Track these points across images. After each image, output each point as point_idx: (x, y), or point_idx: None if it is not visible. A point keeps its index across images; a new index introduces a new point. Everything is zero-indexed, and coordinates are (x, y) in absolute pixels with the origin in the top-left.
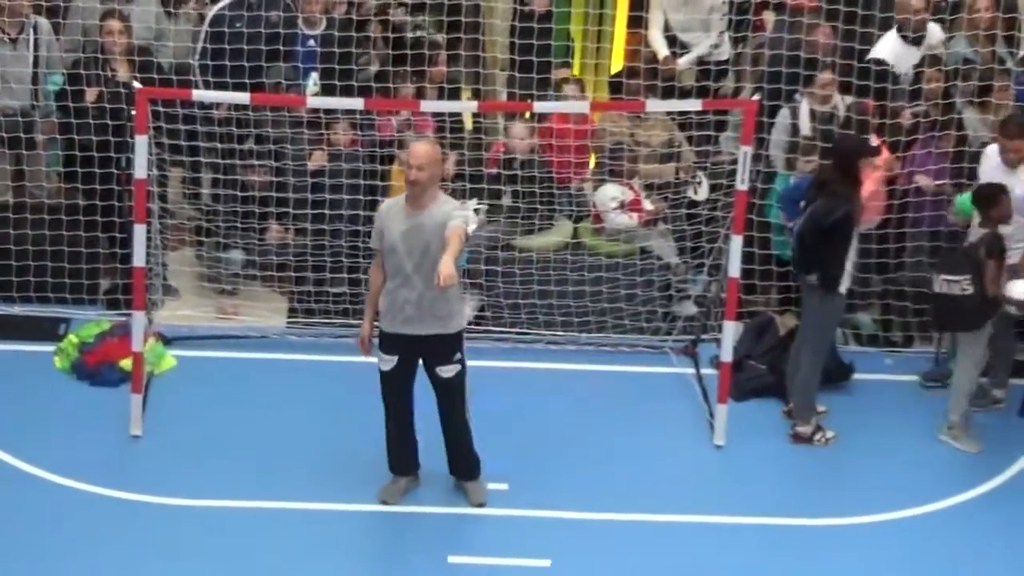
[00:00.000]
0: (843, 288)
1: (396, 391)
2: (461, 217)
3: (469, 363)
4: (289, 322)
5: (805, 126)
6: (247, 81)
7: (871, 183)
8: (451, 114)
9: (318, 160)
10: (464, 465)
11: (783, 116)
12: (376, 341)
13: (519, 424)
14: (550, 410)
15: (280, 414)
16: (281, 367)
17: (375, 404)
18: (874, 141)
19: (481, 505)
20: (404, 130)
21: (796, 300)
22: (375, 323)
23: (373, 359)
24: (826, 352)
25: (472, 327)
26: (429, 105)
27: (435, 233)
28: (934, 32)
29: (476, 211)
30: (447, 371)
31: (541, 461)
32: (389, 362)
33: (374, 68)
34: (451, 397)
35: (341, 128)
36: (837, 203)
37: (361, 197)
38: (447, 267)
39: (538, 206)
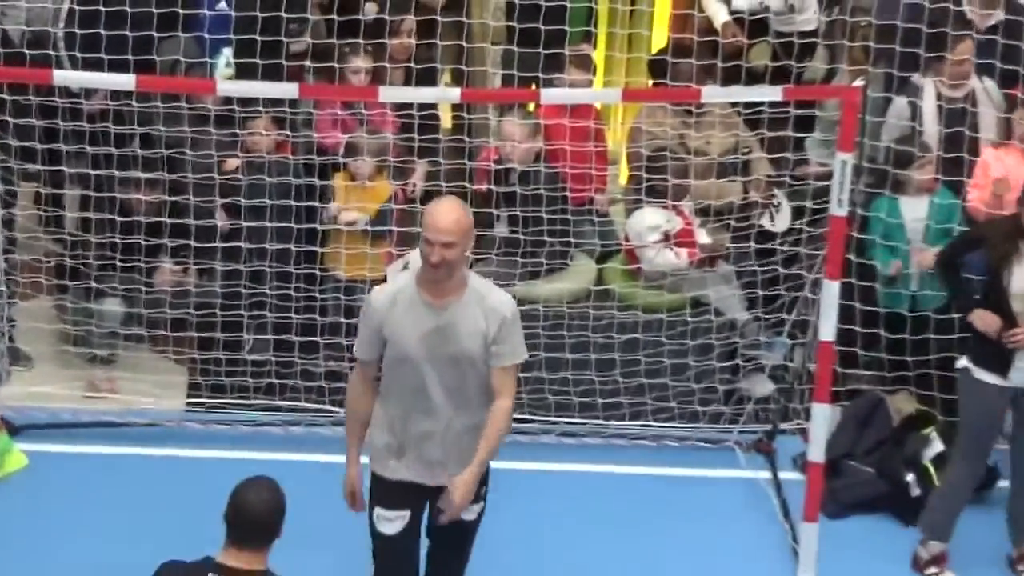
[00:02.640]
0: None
1: (402, 558)
2: (512, 344)
3: None
4: (190, 403)
5: (930, 122)
6: (130, 58)
7: None
8: (422, 106)
9: (231, 170)
10: None
11: (899, 107)
12: (367, 488)
13: (520, 551)
14: (564, 530)
15: (177, 541)
16: (178, 468)
17: (317, 526)
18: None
19: None
20: (354, 129)
21: (919, 378)
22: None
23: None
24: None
25: None
26: (390, 93)
27: (473, 340)
28: None
29: None
30: (468, 512)
31: None
32: (396, 521)
33: (309, 40)
34: (460, 546)
35: (263, 126)
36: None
37: (293, 225)
38: (466, 487)
39: (546, 238)
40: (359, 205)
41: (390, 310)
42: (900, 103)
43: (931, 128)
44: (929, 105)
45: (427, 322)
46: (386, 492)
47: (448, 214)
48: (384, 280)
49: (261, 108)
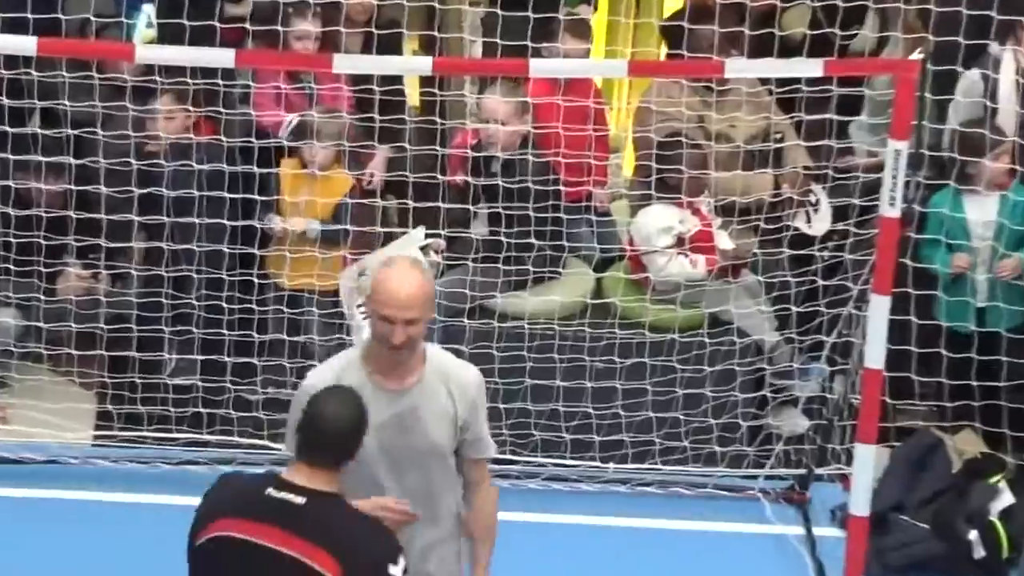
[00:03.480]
0: None
1: None
2: (484, 428)
3: None
4: (98, 436)
5: (1007, 101)
6: (29, 16)
7: None
8: (384, 79)
9: (153, 154)
10: None
11: (968, 83)
12: None
13: None
14: None
15: None
16: (83, 513)
17: None
18: None
19: None
20: (301, 107)
21: (986, 412)
22: None
23: None
24: None
25: None
26: (345, 63)
27: (441, 427)
28: None
29: (426, 250)
30: None
31: None
32: None
33: None
34: None
35: (189, 102)
36: None
37: (226, 222)
38: None
39: (535, 240)
40: (309, 199)
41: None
42: (970, 78)
43: (1008, 108)
44: (1006, 80)
45: (383, 411)
46: None
47: (406, 282)
48: (335, 293)
49: (189, 80)
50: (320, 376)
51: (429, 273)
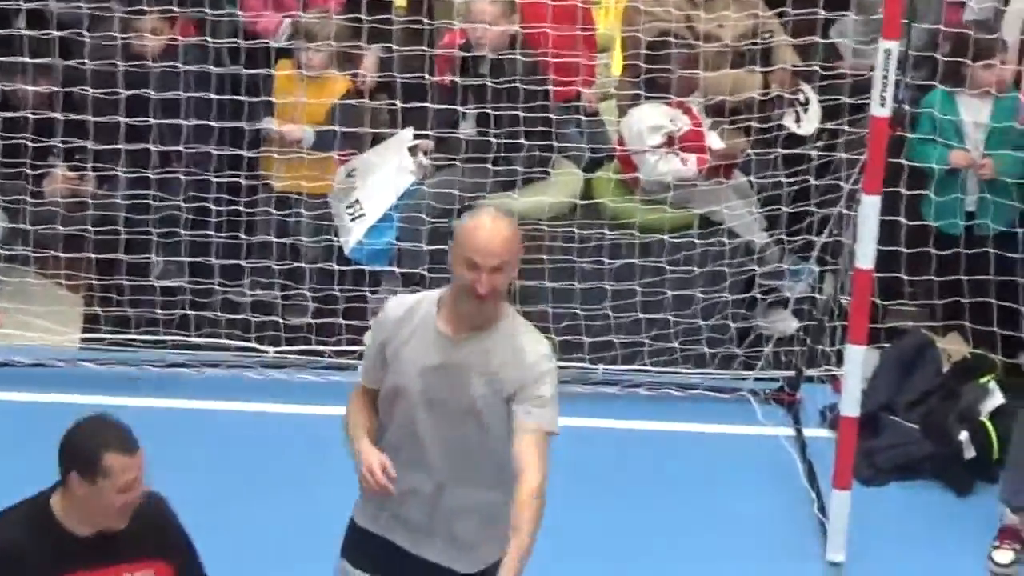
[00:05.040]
0: None
1: None
2: (543, 401)
3: None
4: (86, 339)
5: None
6: None
7: None
8: None
9: (140, 56)
10: None
11: None
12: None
13: None
14: (551, 494)
15: None
16: (70, 417)
17: (243, 479)
18: None
19: None
20: (290, 7)
21: (976, 312)
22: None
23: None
24: None
25: None
26: None
27: (486, 389)
28: None
29: (415, 151)
30: None
31: None
32: None
33: None
34: None
35: (150, 27)
36: None
37: (213, 123)
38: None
39: (523, 141)
40: (304, 101)
41: (398, 326)
42: None
43: (1016, 10)
44: None
45: (432, 356)
46: (356, 544)
47: (499, 230)
48: (324, 196)
49: (152, 8)
50: (401, 302)
51: (516, 225)
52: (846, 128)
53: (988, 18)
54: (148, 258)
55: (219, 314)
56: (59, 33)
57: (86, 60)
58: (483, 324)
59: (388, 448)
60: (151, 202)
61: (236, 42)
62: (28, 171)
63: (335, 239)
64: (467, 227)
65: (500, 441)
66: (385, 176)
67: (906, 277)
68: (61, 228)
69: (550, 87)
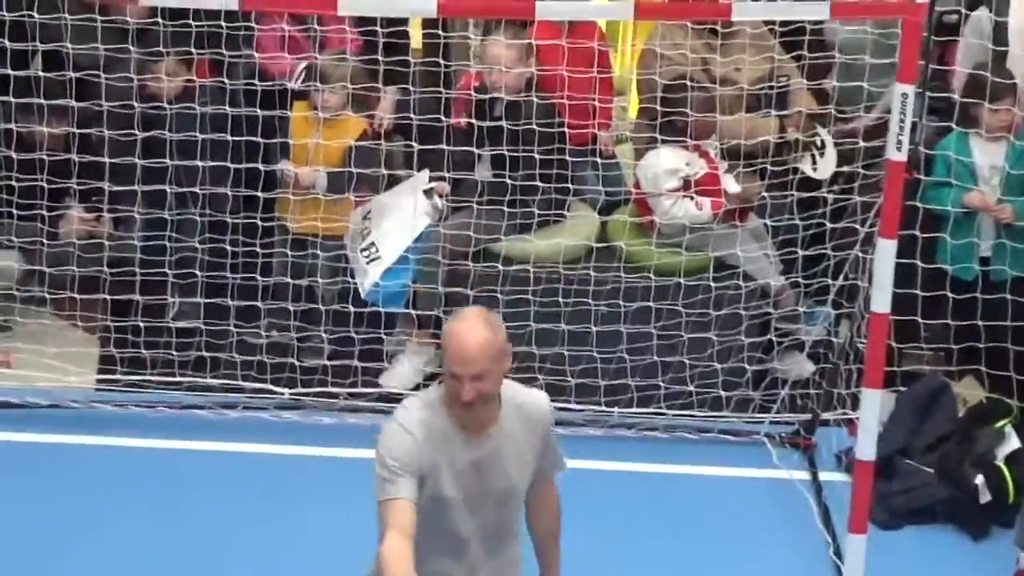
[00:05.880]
0: None
1: None
2: (554, 448)
3: None
4: (101, 380)
5: (1018, 45)
6: None
7: None
8: (389, 22)
9: (156, 97)
10: None
11: (975, 23)
12: None
13: None
14: (564, 536)
15: (86, 543)
16: (87, 458)
17: (259, 522)
18: None
19: None
20: (305, 49)
21: (992, 356)
22: None
23: None
24: None
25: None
26: (351, 4)
27: (523, 468)
28: None
29: (430, 194)
30: None
31: None
32: None
33: None
34: None
35: (170, 69)
36: None
37: (229, 164)
38: None
39: (539, 183)
40: (320, 143)
41: (422, 442)
42: (978, 19)
43: (1017, 53)
44: (1017, 22)
45: (463, 457)
46: None
47: (473, 336)
48: (340, 237)
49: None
50: (410, 418)
51: (498, 325)
52: (860, 171)
53: (984, 62)
54: (164, 299)
55: (235, 355)
56: (75, 74)
57: (102, 101)
58: (487, 422)
59: (421, 544)
60: (167, 243)
61: (253, 83)
62: (44, 212)
63: (351, 281)
64: (446, 334)
65: (521, 498)
66: (401, 218)
67: (922, 321)
68: (76, 269)
69: (566, 130)
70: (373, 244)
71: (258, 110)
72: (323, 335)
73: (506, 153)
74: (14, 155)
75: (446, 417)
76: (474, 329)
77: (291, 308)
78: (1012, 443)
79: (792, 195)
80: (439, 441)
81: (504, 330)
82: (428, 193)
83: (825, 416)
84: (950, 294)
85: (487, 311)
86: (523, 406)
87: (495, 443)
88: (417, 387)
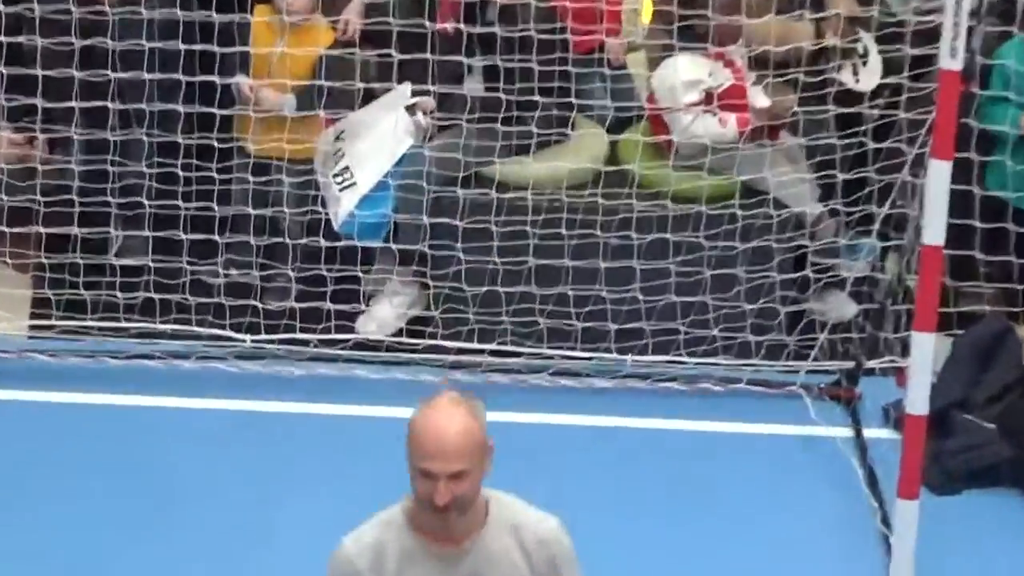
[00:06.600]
0: None
1: None
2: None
3: (390, 414)
4: (35, 327)
5: None
6: None
7: None
8: None
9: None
10: None
11: None
12: None
13: None
14: (564, 506)
15: (16, 506)
16: (18, 416)
17: (214, 479)
18: None
19: None
20: None
21: None
22: None
23: None
24: None
25: (406, 343)
26: None
27: None
28: None
29: (413, 110)
30: None
31: None
32: None
33: None
34: None
35: None
36: None
37: (180, 76)
38: None
39: (538, 98)
40: (284, 51)
41: (377, 570)
42: None
43: None
44: None
45: None
46: None
47: (450, 426)
48: (311, 160)
49: None
50: (359, 543)
51: (479, 410)
52: (907, 84)
53: None
54: (106, 232)
55: (188, 298)
56: None
57: (33, 4)
58: (471, 526)
59: None
60: (109, 168)
61: None
62: None
63: (322, 211)
64: (415, 425)
65: None
66: (379, 139)
67: (981, 255)
68: (5, 198)
69: (569, 36)
70: (347, 168)
71: (214, 14)
72: (290, 273)
73: (500, 63)
74: None
75: (410, 534)
76: (451, 417)
77: (253, 243)
78: None
79: (830, 110)
80: (404, 562)
81: (486, 418)
82: (410, 109)
83: (870, 364)
84: (1013, 226)
85: (464, 395)
86: (521, 528)
87: (475, 564)
88: (400, 332)
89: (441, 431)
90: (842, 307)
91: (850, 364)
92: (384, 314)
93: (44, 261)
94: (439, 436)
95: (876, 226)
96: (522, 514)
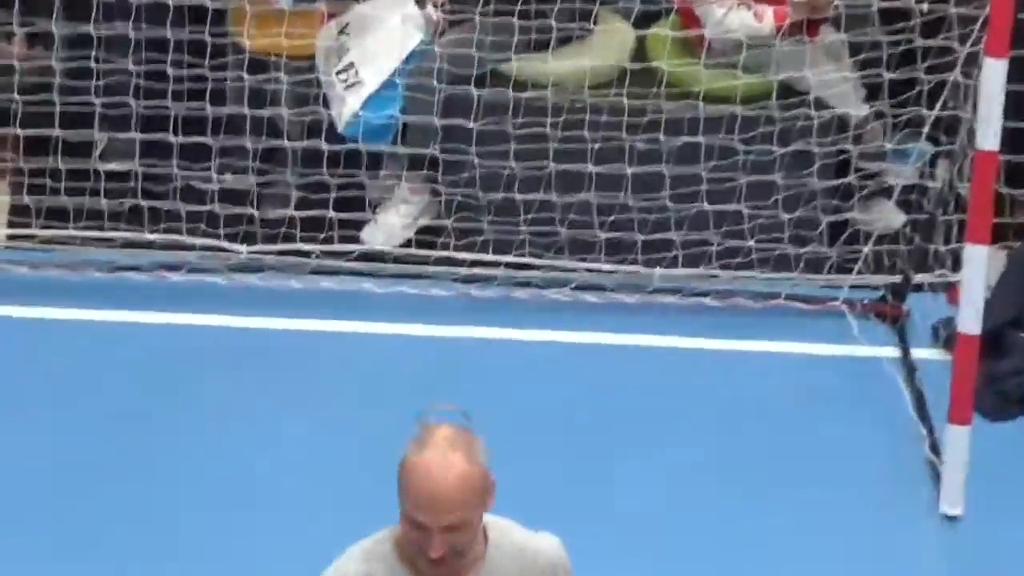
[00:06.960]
0: None
1: None
2: None
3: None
4: (13, 236)
5: None
6: None
7: None
8: None
9: None
10: None
11: None
12: None
13: (528, 455)
14: (585, 433)
15: None
16: None
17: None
18: None
19: None
20: None
21: None
22: None
23: None
24: None
25: (415, 255)
26: None
27: None
28: None
29: (423, 2)
30: None
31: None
32: None
33: None
34: None
35: None
36: None
37: None
38: None
39: None
40: None
41: None
42: None
43: None
44: None
45: None
46: None
47: (445, 472)
48: (311, 57)
49: None
50: (345, 571)
51: (478, 450)
52: None
53: None
54: (90, 134)
55: (179, 205)
56: None
57: None
58: (467, 568)
59: None
60: (93, 65)
61: None
62: None
63: (324, 112)
64: (407, 469)
65: None
66: (386, 33)
67: None
68: None
69: None
70: (351, 65)
71: None
72: (289, 179)
73: None
74: None
75: (401, 570)
76: (446, 462)
77: (249, 146)
78: None
79: (874, 4)
80: None
81: (485, 453)
82: (420, 2)
83: (918, 279)
84: None
85: (461, 431)
86: (527, 552)
87: None
88: (409, 243)
89: (435, 480)
90: (888, 217)
91: (897, 278)
92: (392, 223)
93: (23, 165)
94: (433, 486)
95: (925, 129)
96: (524, 538)
